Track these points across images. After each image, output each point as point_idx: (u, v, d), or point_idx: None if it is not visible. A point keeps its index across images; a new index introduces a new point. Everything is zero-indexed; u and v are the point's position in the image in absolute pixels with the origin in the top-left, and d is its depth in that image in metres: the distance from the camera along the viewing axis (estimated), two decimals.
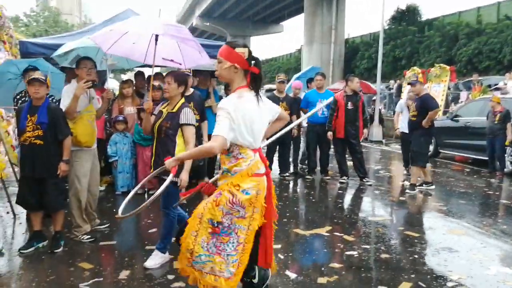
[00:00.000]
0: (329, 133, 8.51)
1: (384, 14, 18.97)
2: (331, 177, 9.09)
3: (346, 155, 8.84)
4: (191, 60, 5.46)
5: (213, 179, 3.42)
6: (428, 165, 7.99)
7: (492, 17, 24.91)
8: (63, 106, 4.88)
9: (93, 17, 76.31)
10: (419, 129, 7.71)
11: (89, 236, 5.11)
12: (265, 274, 3.31)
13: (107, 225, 5.60)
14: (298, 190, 8.46)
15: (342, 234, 5.49)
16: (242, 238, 2.92)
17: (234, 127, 2.85)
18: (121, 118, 7.32)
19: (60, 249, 4.79)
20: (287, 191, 8.20)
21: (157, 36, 4.90)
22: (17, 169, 6.20)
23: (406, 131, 8.64)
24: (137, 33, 5.07)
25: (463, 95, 17.07)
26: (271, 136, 3.91)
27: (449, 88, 16.46)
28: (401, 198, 7.64)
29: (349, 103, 8.42)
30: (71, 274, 4.21)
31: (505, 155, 9.81)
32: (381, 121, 17.47)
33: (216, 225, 2.89)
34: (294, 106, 8.81)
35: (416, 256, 4.79)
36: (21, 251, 4.69)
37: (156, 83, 7.08)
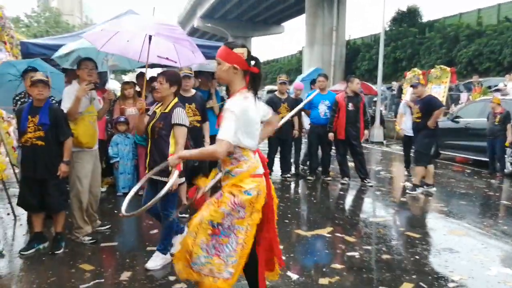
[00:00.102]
0: (330, 134, 8.51)
1: (385, 16, 19.01)
2: (332, 178, 9.09)
3: (347, 156, 8.84)
4: (186, 59, 5.44)
5: (208, 186, 3.37)
6: (431, 166, 7.97)
7: (493, 19, 24.91)
8: (65, 107, 4.87)
9: (94, 18, 76.30)
10: (424, 130, 7.71)
11: (90, 238, 5.11)
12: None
13: (108, 226, 5.60)
14: (300, 191, 8.46)
15: (344, 235, 5.49)
16: (241, 239, 2.91)
17: (240, 129, 2.83)
18: (122, 119, 7.33)
19: (61, 251, 4.79)
20: (288, 192, 8.20)
21: (150, 35, 4.88)
22: (17, 170, 6.21)
23: (409, 133, 8.63)
24: (130, 31, 5.02)
25: (464, 96, 17.07)
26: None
27: (450, 90, 16.47)
28: (402, 199, 7.64)
29: (350, 104, 8.43)
30: (72, 275, 4.21)
31: (505, 156, 9.82)
32: (382, 122, 17.47)
33: (216, 226, 2.88)
34: (296, 107, 8.79)
35: (417, 256, 4.79)
36: (22, 252, 4.69)
37: (157, 84, 7.08)
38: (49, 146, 4.59)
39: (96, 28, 5.38)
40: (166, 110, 4.36)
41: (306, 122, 9.42)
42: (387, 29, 28.98)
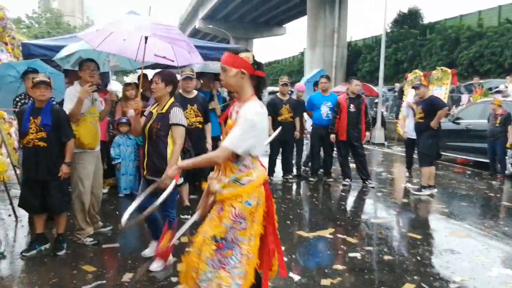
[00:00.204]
0: (332, 136, 8.52)
1: (386, 17, 19.00)
2: (334, 179, 9.09)
3: (349, 158, 8.84)
4: (184, 58, 5.42)
5: (179, 233, 3.34)
6: (433, 167, 7.97)
7: (493, 21, 24.92)
8: (67, 109, 4.87)
9: (95, 19, 76.35)
10: (427, 131, 7.71)
11: (92, 239, 5.11)
12: None
13: (110, 227, 5.60)
14: (301, 192, 8.46)
15: (345, 236, 5.50)
16: (245, 249, 2.86)
17: (252, 138, 2.77)
18: (124, 120, 7.33)
19: (63, 252, 4.79)
20: (290, 193, 8.21)
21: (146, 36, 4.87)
22: (18, 171, 6.22)
23: (412, 135, 8.63)
24: (126, 31, 4.96)
25: (465, 98, 17.06)
26: None
27: (452, 91, 16.46)
28: (404, 200, 7.64)
29: (352, 105, 8.44)
30: (74, 277, 4.22)
31: (506, 158, 9.82)
32: (383, 123, 17.47)
33: (220, 241, 2.82)
34: (298, 108, 8.82)
35: (418, 258, 4.79)
36: (23, 254, 4.69)
37: None
38: (51, 147, 4.59)
39: (92, 28, 5.36)
40: (163, 111, 4.36)
41: (309, 123, 9.43)
42: (388, 30, 28.97)
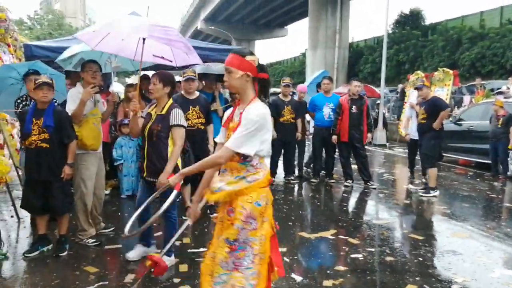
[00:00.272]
0: (334, 137, 8.52)
1: (388, 18, 18.99)
2: (336, 180, 9.09)
3: (351, 159, 8.84)
4: (182, 59, 5.42)
5: (167, 246, 3.33)
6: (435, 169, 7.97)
7: (495, 22, 24.90)
8: (69, 110, 4.89)
9: (97, 20, 76.51)
10: (430, 132, 7.70)
11: (94, 240, 5.12)
12: None
13: (112, 228, 5.61)
14: (303, 193, 8.46)
15: (347, 237, 5.50)
16: (256, 249, 2.86)
17: (257, 139, 2.77)
18: (126, 121, 7.33)
19: (65, 253, 4.80)
20: (292, 194, 8.21)
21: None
22: (20, 172, 6.23)
23: (415, 136, 8.62)
24: (123, 32, 4.95)
25: (466, 99, 17.05)
26: None
27: (453, 93, 16.44)
28: (405, 201, 7.65)
29: (354, 106, 8.44)
30: (76, 278, 4.22)
31: (508, 159, 9.80)
32: (385, 125, 17.46)
33: (232, 243, 2.83)
34: (299, 109, 8.83)
35: (420, 259, 4.79)
36: (26, 254, 4.70)
37: None
38: (53, 149, 4.60)
39: (89, 29, 5.35)
40: (163, 112, 4.36)
41: (312, 124, 9.44)
42: (390, 31, 29.00)
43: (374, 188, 8.42)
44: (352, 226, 6.09)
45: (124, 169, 7.34)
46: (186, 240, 5.29)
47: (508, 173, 9.73)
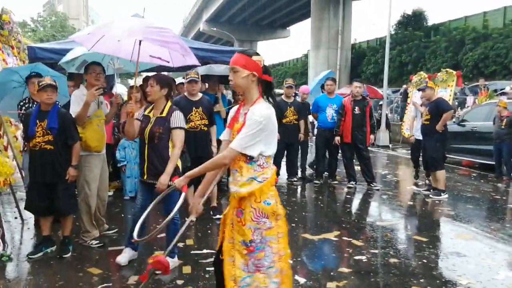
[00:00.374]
0: (337, 138, 8.52)
1: (390, 19, 18.98)
2: (339, 182, 9.08)
3: (354, 160, 8.83)
4: (179, 59, 5.42)
5: (170, 247, 3.33)
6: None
7: (498, 22, 24.82)
8: (73, 112, 4.90)
9: (98, 21, 76.56)
10: (434, 134, 7.68)
11: (98, 241, 5.13)
12: None
13: (115, 230, 5.62)
14: (306, 195, 8.46)
15: (351, 239, 5.49)
16: (275, 248, 2.85)
17: (262, 139, 2.77)
18: None
19: (69, 254, 4.80)
20: (295, 196, 8.21)
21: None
22: (24, 174, 6.23)
23: (420, 137, 8.59)
24: (118, 35, 4.89)
25: (470, 99, 17.02)
26: None
27: (455, 93, 16.41)
28: (409, 203, 7.64)
29: (356, 108, 8.44)
30: (80, 279, 4.23)
31: None
32: (387, 126, 17.44)
33: (249, 244, 2.82)
34: (302, 111, 8.83)
35: (424, 260, 4.78)
36: (30, 256, 4.70)
37: None
38: (57, 150, 4.62)
39: (84, 31, 5.33)
40: (163, 114, 4.38)
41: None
42: (393, 32, 28.96)
43: (377, 190, 8.41)
44: (356, 228, 6.08)
45: (127, 171, 7.34)
46: (189, 242, 5.29)
47: None
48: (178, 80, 10.50)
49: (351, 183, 8.66)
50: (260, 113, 2.77)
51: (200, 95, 6.27)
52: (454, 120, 11.96)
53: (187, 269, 4.43)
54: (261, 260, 2.82)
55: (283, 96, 8.83)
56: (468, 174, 10.63)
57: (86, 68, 5.19)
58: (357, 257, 4.86)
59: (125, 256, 4.57)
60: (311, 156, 10.25)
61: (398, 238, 5.72)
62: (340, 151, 8.97)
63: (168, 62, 5.38)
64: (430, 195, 7.86)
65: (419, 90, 8.41)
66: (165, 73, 7.72)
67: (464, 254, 4.98)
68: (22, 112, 5.50)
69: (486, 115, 11.07)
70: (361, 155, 8.62)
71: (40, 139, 4.57)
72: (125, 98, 8.49)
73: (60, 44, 7.83)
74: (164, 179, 4.23)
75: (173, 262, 4.44)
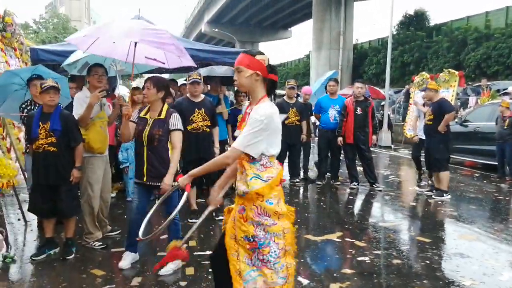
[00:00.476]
0: (339, 139, 8.51)
1: (392, 19, 18.96)
2: (341, 182, 9.07)
3: (356, 161, 8.82)
4: (174, 61, 5.42)
5: (187, 235, 3.34)
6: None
7: (501, 22, 24.77)
8: (76, 114, 4.91)
9: (99, 21, 76.67)
10: (437, 135, 7.67)
11: (101, 243, 5.14)
12: None
13: (118, 231, 5.63)
14: (309, 195, 8.45)
15: (353, 240, 5.49)
16: (281, 244, 2.86)
17: (264, 139, 2.78)
18: None
19: (72, 256, 4.82)
20: (297, 197, 8.20)
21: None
22: (27, 175, 6.24)
23: (424, 136, 8.57)
24: (114, 36, 4.89)
25: (472, 100, 16.99)
26: None
27: (458, 93, 16.38)
28: (412, 204, 7.63)
29: (358, 108, 8.43)
30: (83, 280, 4.23)
31: None
32: (390, 126, 17.42)
33: (252, 239, 2.83)
34: (304, 111, 8.82)
35: (428, 261, 4.77)
36: (33, 258, 4.72)
37: None
38: (60, 152, 4.63)
39: (80, 33, 5.33)
40: (161, 116, 4.41)
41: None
42: (395, 33, 28.92)
43: (380, 190, 8.40)
44: (358, 229, 6.07)
45: (130, 172, 7.34)
46: (192, 243, 5.30)
47: None
48: (180, 81, 10.52)
49: (353, 184, 8.66)
50: (262, 112, 2.78)
51: (202, 96, 6.28)
52: (456, 120, 11.95)
53: (190, 271, 4.43)
54: (267, 255, 2.83)
55: (285, 97, 8.83)
56: (470, 175, 10.62)
57: (88, 70, 5.20)
58: (360, 258, 4.85)
59: (126, 260, 4.58)
60: (313, 157, 10.24)
61: (401, 239, 5.71)
62: (342, 151, 8.96)
63: (164, 63, 5.40)
64: (433, 196, 7.84)
65: (422, 90, 8.39)
66: (167, 74, 7.75)
67: (468, 255, 4.97)
68: (24, 114, 5.50)
69: (488, 116, 11.06)
70: (363, 156, 8.61)
71: (43, 141, 4.58)
72: (127, 99, 8.49)
73: (62, 46, 7.85)
74: (168, 179, 4.27)
75: (176, 263, 4.44)
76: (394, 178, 10.15)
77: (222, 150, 6.23)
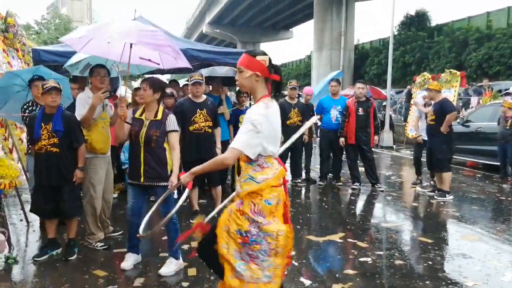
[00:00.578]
0: (341, 140, 8.50)
1: (393, 20, 18.94)
2: (343, 183, 9.07)
3: (358, 161, 8.81)
4: (169, 62, 5.42)
5: (211, 214, 3.35)
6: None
7: (502, 22, 24.72)
8: (79, 115, 4.91)
9: (100, 21, 76.55)
10: (439, 135, 7.65)
11: (103, 244, 5.14)
12: None
13: (120, 232, 5.62)
14: (311, 196, 8.45)
15: (356, 241, 5.48)
16: (273, 244, 2.88)
17: (259, 139, 2.80)
18: None
19: (74, 257, 4.82)
20: (299, 197, 8.19)
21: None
22: (29, 176, 6.25)
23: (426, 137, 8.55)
24: (111, 37, 4.83)
25: (474, 100, 16.97)
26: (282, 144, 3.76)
27: (460, 94, 16.36)
28: (413, 204, 7.62)
29: (360, 109, 8.42)
30: (86, 281, 4.24)
31: None
32: (391, 126, 17.40)
33: (244, 234, 2.85)
34: (306, 112, 8.81)
35: (430, 262, 4.77)
36: (35, 258, 4.72)
37: (169, 90, 7.11)
38: (63, 153, 4.63)
39: (76, 34, 5.32)
40: (158, 118, 4.43)
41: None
42: (396, 33, 28.88)
43: (382, 191, 8.39)
44: (360, 229, 6.07)
45: None
46: (195, 244, 5.28)
47: None
48: (182, 82, 10.52)
49: (355, 184, 8.65)
50: (254, 111, 2.83)
51: (204, 97, 6.28)
52: (458, 120, 11.93)
53: (192, 271, 4.43)
54: (256, 252, 2.86)
55: (287, 98, 8.82)
56: (472, 175, 10.61)
57: (91, 70, 5.20)
58: (362, 259, 4.85)
59: (129, 261, 4.58)
60: (315, 158, 10.23)
61: (403, 239, 5.71)
62: (344, 152, 8.95)
63: (158, 64, 5.42)
64: (435, 196, 7.83)
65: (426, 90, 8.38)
66: (168, 75, 7.75)
67: (470, 256, 4.96)
68: (26, 115, 5.51)
69: (490, 116, 11.04)
70: (365, 156, 8.60)
71: (45, 142, 4.59)
72: (129, 100, 8.50)
73: (64, 47, 7.84)
74: (174, 178, 4.30)
75: (177, 263, 4.45)
76: (396, 179, 10.15)
77: (224, 151, 6.22)
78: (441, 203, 7.51)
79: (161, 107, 4.51)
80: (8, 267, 4.56)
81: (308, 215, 6.91)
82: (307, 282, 4.20)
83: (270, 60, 2.93)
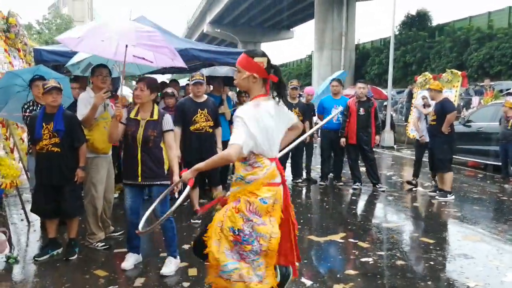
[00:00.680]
0: (342, 140, 8.48)
1: (394, 20, 18.92)
2: (344, 183, 9.05)
3: (359, 161, 8.80)
4: (163, 61, 5.42)
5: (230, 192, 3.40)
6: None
7: (503, 22, 24.71)
8: (81, 114, 4.90)
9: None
10: (441, 136, 7.63)
11: (104, 244, 5.14)
12: (286, 271, 3.30)
13: (121, 232, 5.62)
14: (311, 196, 8.44)
15: (357, 241, 5.47)
16: (264, 246, 2.88)
17: (252, 136, 2.83)
18: None
19: (75, 257, 4.82)
20: (300, 197, 8.18)
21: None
22: (30, 175, 6.24)
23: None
24: (109, 37, 4.86)
25: (475, 100, 16.95)
26: (286, 146, 3.75)
27: (461, 94, 16.35)
28: (415, 204, 7.60)
29: (361, 109, 8.40)
30: (86, 281, 4.23)
31: None
32: (392, 126, 17.38)
33: (237, 233, 2.86)
34: (307, 112, 8.80)
35: (431, 262, 4.76)
36: (36, 258, 4.72)
37: (170, 89, 7.10)
38: (64, 153, 4.63)
39: (74, 34, 5.31)
40: (154, 118, 4.43)
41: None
42: (397, 33, 28.89)
43: (383, 191, 8.38)
44: (362, 229, 6.06)
45: None
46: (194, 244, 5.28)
47: None
48: (183, 82, 10.52)
49: (356, 184, 8.63)
50: (243, 108, 2.89)
51: (205, 96, 6.27)
52: (459, 120, 11.92)
53: (193, 272, 4.43)
54: (247, 252, 2.88)
55: (287, 97, 8.78)
56: (474, 175, 10.60)
57: (92, 70, 5.20)
58: (363, 259, 4.84)
59: (129, 261, 4.57)
60: (316, 158, 10.22)
61: (404, 240, 5.70)
62: (345, 152, 8.94)
63: (152, 62, 5.41)
64: (436, 197, 7.82)
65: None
66: (169, 75, 7.74)
67: (472, 256, 4.95)
68: (26, 114, 5.50)
69: (492, 116, 11.02)
70: (366, 156, 8.58)
71: (47, 142, 4.59)
72: (130, 100, 8.50)
73: (65, 47, 7.85)
74: (176, 177, 4.31)
75: (176, 262, 4.45)
76: (397, 179, 10.13)
77: None
78: (443, 203, 7.50)
79: (156, 107, 4.52)
80: (9, 266, 4.57)
81: (309, 215, 6.90)
82: (308, 282, 4.19)
83: (269, 61, 2.94)
